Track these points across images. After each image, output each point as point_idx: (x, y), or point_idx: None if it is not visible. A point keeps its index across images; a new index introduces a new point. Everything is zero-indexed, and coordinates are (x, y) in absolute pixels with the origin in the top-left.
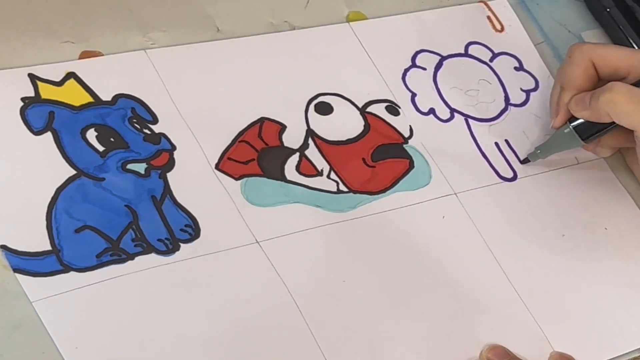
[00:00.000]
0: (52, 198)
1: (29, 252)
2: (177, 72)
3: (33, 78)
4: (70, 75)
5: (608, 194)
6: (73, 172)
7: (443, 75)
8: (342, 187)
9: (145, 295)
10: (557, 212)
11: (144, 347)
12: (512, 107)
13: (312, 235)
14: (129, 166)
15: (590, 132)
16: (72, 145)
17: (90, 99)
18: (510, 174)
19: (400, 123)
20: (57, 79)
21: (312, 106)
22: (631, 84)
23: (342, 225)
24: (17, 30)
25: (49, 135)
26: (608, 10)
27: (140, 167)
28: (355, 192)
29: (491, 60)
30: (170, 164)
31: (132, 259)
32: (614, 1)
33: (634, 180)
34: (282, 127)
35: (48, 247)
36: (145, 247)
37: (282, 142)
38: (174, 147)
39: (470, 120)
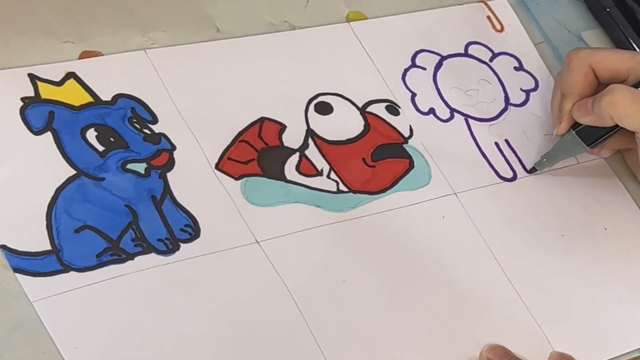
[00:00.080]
0: (52, 198)
1: (29, 252)
2: (177, 72)
3: (33, 78)
4: (70, 75)
5: (608, 194)
6: (73, 172)
7: (443, 75)
8: (342, 187)
9: (145, 295)
10: (557, 212)
11: (144, 347)
12: (512, 107)
13: (312, 235)
14: (129, 166)
15: (595, 137)
16: (72, 145)
17: (90, 99)
18: (510, 174)
19: (400, 123)
20: (57, 79)
21: (312, 106)
22: (631, 86)
23: (342, 225)
24: (17, 30)
25: (48, 135)
26: (608, 10)
27: (140, 167)
28: (355, 192)
29: (491, 60)
30: (170, 163)
31: (132, 259)
32: (614, 1)
33: (634, 180)
34: (282, 127)
35: (48, 247)
36: (145, 247)
37: (282, 142)
38: (174, 147)
39: (470, 120)
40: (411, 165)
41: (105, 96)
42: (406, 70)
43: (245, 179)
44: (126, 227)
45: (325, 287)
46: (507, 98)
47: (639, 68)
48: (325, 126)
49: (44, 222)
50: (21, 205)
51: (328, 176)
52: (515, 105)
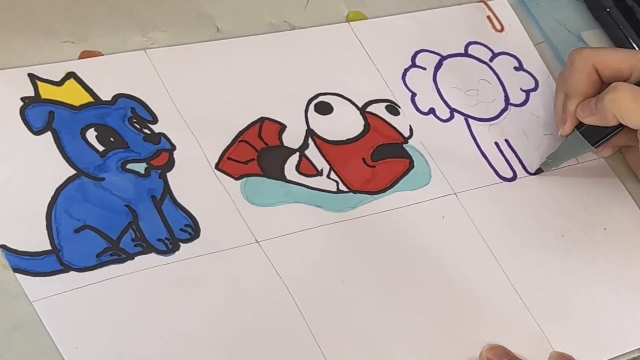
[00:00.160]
0: (52, 198)
1: (29, 252)
2: (177, 72)
3: (33, 78)
4: (70, 75)
5: (608, 194)
6: (73, 172)
7: (443, 75)
8: (342, 187)
9: (145, 295)
10: (557, 212)
11: (143, 347)
12: (512, 107)
13: (312, 235)
14: (129, 166)
15: (599, 136)
16: (72, 145)
17: (90, 99)
18: (510, 174)
19: (400, 123)
20: (57, 79)
21: (312, 106)
22: (634, 84)
23: (342, 225)
24: (17, 30)
25: (48, 135)
26: (608, 10)
27: (140, 167)
28: (355, 192)
29: (491, 60)
30: (170, 163)
31: (132, 258)
32: (614, 1)
33: (634, 180)
34: (282, 127)
35: (48, 247)
36: (145, 247)
37: (282, 142)
38: (174, 147)
39: (470, 120)
40: (411, 165)
41: (105, 96)
42: (406, 70)
43: (245, 179)
44: (126, 227)
45: (325, 287)
46: (507, 98)
47: None
48: (325, 126)
49: (44, 222)
50: (21, 205)
51: (328, 176)
52: (515, 105)
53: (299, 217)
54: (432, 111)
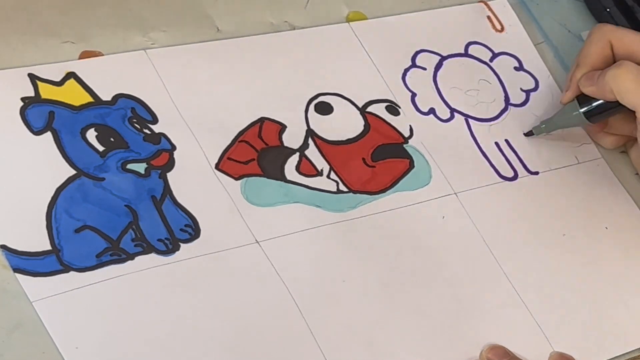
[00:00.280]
0: (52, 198)
1: (29, 252)
2: (177, 72)
3: (33, 78)
4: (70, 75)
5: (608, 194)
6: (73, 172)
7: (443, 75)
8: (342, 187)
9: (146, 295)
10: (557, 212)
11: (143, 347)
12: (512, 107)
13: (312, 235)
14: (129, 166)
15: (596, 111)
16: (72, 145)
17: (90, 99)
18: (510, 174)
19: (400, 123)
20: (57, 79)
21: (312, 106)
22: None
23: (342, 225)
24: (17, 30)
25: (48, 135)
26: (608, 10)
27: (140, 167)
28: (355, 192)
29: (491, 60)
30: (170, 164)
31: (132, 259)
32: (614, 1)
33: (634, 180)
34: (282, 127)
35: (48, 247)
36: (145, 247)
37: (282, 142)
38: (174, 147)
39: (470, 120)
40: (411, 165)
41: (105, 96)
42: (406, 70)
43: (245, 179)
44: (126, 227)
45: (325, 287)
46: (507, 98)
47: None
48: (325, 126)
49: (44, 222)
50: (21, 205)
51: (328, 176)
52: (515, 105)
53: (299, 217)
54: (432, 111)
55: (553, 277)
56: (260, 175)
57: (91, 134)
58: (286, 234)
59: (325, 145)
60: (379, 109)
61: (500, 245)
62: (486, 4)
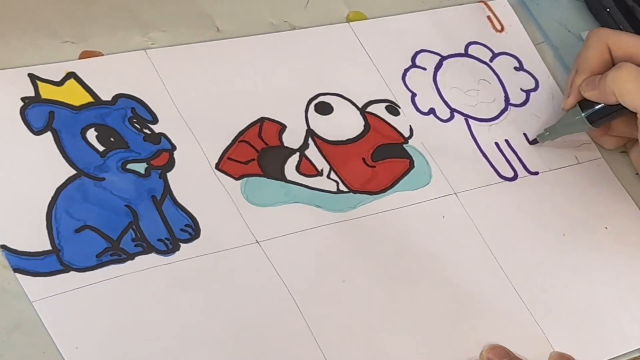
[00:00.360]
0: (52, 198)
1: (29, 252)
2: (177, 72)
3: (33, 78)
4: (70, 75)
5: (608, 194)
6: (73, 172)
7: (443, 75)
8: (342, 187)
9: (146, 295)
10: (557, 212)
11: (144, 347)
12: (512, 107)
13: (312, 235)
14: (129, 166)
15: (599, 115)
16: (72, 145)
17: (90, 99)
18: (510, 174)
19: (400, 123)
20: (57, 79)
21: (312, 106)
22: None
23: (342, 225)
24: (17, 30)
25: (49, 135)
26: (608, 10)
27: (140, 167)
28: (355, 192)
29: (491, 60)
30: (170, 163)
31: (132, 258)
32: (614, 1)
33: (634, 180)
34: (282, 127)
35: (48, 247)
36: (145, 247)
37: (282, 142)
38: (174, 147)
39: (470, 120)
40: (411, 165)
41: (106, 96)
42: (406, 70)
43: (245, 179)
44: (126, 227)
45: (325, 287)
46: (507, 98)
47: None
48: (325, 126)
49: (44, 222)
50: (21, 205)
51: (328, 176)
52: (515, 105)
53: (299, 217)
54: (432, 111)
55: (553, 277)
56: (260, 175)
57: (91, 134)
58: (286, 234)
59: (325, 145)
60: (379, 109)
61: (500, 245)
62: (486, 4)
